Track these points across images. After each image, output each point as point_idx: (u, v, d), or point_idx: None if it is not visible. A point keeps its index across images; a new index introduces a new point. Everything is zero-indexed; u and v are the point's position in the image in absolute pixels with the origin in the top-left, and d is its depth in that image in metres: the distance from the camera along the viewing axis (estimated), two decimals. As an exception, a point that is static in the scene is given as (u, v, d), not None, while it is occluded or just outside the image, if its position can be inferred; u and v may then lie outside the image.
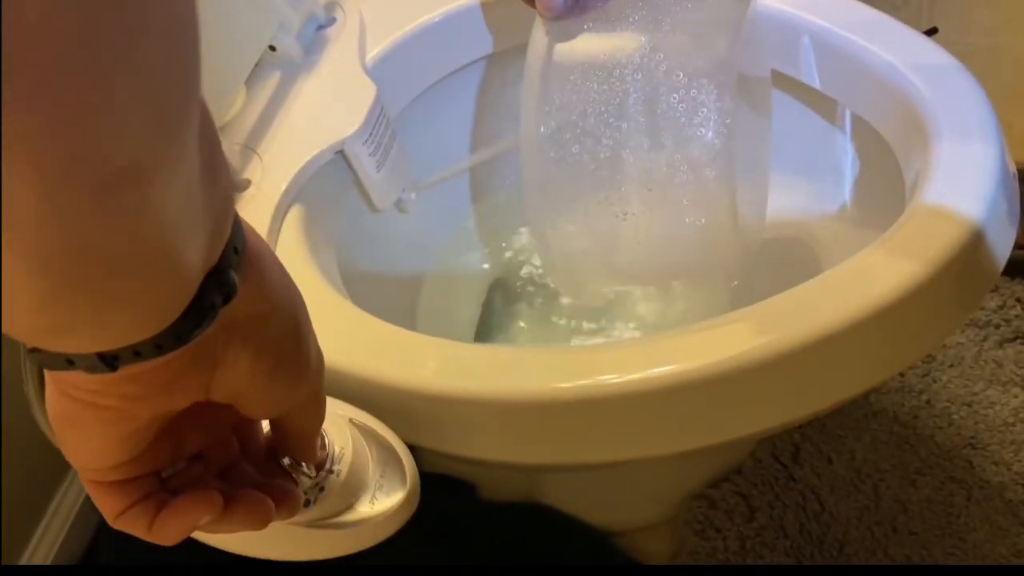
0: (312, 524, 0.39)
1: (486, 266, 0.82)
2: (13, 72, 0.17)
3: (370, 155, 0.64)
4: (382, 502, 0.41)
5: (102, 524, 0.89)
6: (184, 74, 0.21)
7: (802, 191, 0.69)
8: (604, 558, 0.77)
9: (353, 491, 0.40)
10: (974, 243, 0.52)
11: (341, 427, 0.41)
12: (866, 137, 0.63)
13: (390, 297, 0.73)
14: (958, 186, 0.53)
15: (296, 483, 0.36)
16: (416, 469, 0.43)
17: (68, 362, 0.24)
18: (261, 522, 0.31)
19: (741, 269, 0.54)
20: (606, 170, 0.49)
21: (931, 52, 0.58)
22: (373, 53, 0.69)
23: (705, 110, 0.47)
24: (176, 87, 0.20)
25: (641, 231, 0.50)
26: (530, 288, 0.81)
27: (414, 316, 0.75)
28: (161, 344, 0.24)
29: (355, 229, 0.68)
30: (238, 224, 0.27)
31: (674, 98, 0.47)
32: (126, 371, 0.25)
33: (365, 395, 0.48)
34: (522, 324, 0.79)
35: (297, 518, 0.38)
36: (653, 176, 0.49)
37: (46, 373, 0.26)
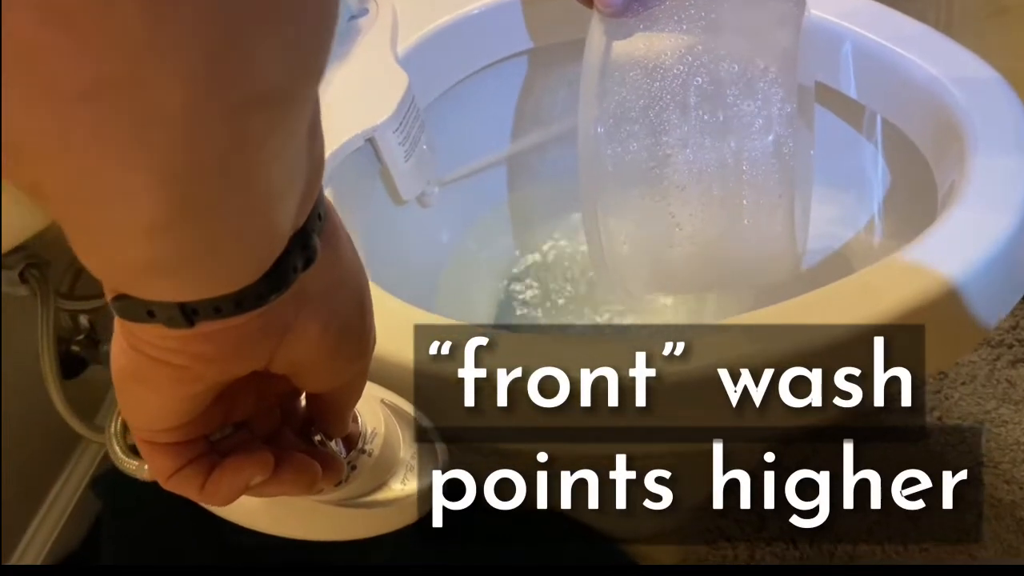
0: (343, 503, 0.39)
1: (506, 262, 0.82)
2: None
3: (399, 144, 0.64)
4: (413, 483, 0.40)
5: (100, 518, 0.88)
6: (331, 7, 0.20)
7: (835, 200, 0.69)
8: (610, 565, 0.77)
9: (385, 471, 0.40)
10: (1002, 257, 0.52)
11: (374, 407, 0.41)
12: (901, 147, 0.63)
13: (409, 289, 0.73)
14: (991, 199, 0.53)
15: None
16: (446, 451, 0.42)
17: (149, 313, 0.24)
18: (309, 484, 0.31)
19: (791, 280, 0.54)
20: (664, 168, 0.49)
21: (971, 64, 0.59)
22: (404, 45, 0.69)
23: (768, 109, 0.47)
24: (323, 19, 0.20)
25: (698, 231, 0.50)
26: (548, 286, 0.81)
27: (432, 309, 0.75)
28: (241, 301, 0.24)
29: (380, 218, 0.68)
30: (321, 192, 0.27)
31: (736, 98, 0.47)
32: (202, 328, 0.25)
33: (391, 376, 0.48)
34: (538, 323, 0.79)
35: (328, 496, 0.38)
36: (712, 175, 0.49)
37: (117, 328, 0.27)
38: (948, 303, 0.50)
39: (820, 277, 0.68)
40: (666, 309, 0.71)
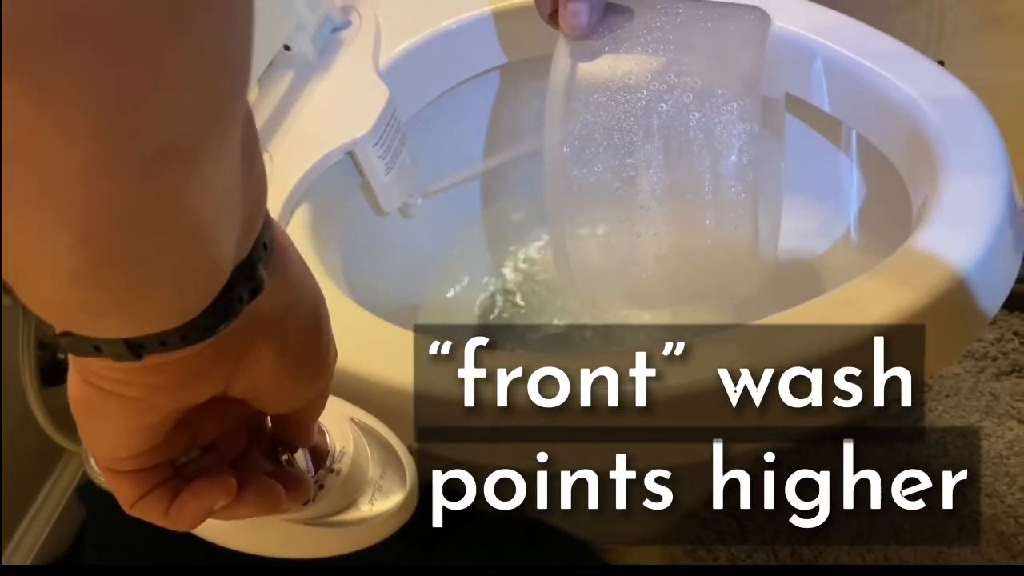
0: (311, 522, 0.39)
1: (488, 274, 0.82)
2: (80, 40, 0.17)
3: (380, 158, 0.65)
4: (381, 502, 0.40)
5: (85, 525, 0.88)
6: (239, 56, 0.21)
7: (810, 214, 0.69)
8: (595, 566, 0.77)
9: (353, 490, 0.40)
10: (976, 272, 0.52)
11: (343, 426, 0.41)
12: (875, 163, 0.64)
13: (392, 300, 0.73)
14: (964, 215, 0.54)
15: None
16: (415, 470, 0.43)
17: (96, 348, 0.24)
18: (272, 506, 0.32)
19: (759, 294, 0.54)
20: (629, 189, 0.49)
21: (944, 82, 0.59)
22: (387, 58, 0.69)
23: (730, 131, 0.47)
24: (230, 68, 0.21)
25: (663, 250, 0.50)
26: (529, 300, 0.81)
27: (416, 319, 0.75)
28: (187, 335, 0.24)
29: (361, 231, 0.68)
30: (268, 219, 0.27)
31: (699, 119, 0.48)
32: (151, 360, 0.25)
33: (366, 395, 0.48)
34: (521, 334, 0.79)
35: (296, 515, 0.38)
36: (676, 196, 0.49)
37: (71, 361, 0.27)
38: (939, 307, 0.51)
39: (798, 287, 0.68)
40: (633, 318, 0.71)
